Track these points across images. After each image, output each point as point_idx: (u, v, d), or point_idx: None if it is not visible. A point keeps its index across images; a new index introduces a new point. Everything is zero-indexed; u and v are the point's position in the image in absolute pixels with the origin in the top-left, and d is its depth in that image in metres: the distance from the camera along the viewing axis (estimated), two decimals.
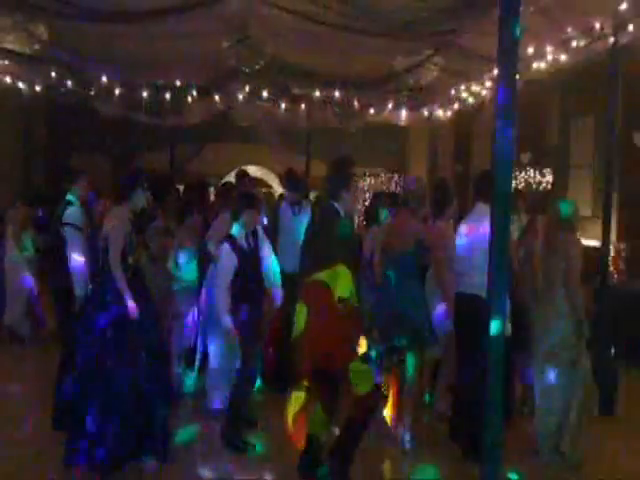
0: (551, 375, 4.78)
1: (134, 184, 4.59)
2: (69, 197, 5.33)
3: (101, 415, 4.24)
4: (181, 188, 7.22)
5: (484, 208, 4.77)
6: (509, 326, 4.67)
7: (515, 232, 6.38)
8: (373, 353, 5.00)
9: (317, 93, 9.13)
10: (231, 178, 12.69)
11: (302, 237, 6.07)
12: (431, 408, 5.74)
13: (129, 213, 4.57)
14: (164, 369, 4.69)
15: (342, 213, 4.46)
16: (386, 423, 5.18)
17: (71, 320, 5.05)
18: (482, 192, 4.94)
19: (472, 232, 4.93)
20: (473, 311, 4.57)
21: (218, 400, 5.52)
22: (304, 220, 6.25)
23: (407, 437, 4.97)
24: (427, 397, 5.89)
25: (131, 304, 4.33)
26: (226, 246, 4.93)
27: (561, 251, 4.75)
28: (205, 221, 6.22)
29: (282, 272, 5.86)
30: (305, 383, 4.40)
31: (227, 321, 4.86)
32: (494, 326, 3.66)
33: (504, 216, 3.68)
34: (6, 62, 7.91)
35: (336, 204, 4.50)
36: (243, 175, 7.06)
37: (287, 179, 6.58)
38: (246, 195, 5.33)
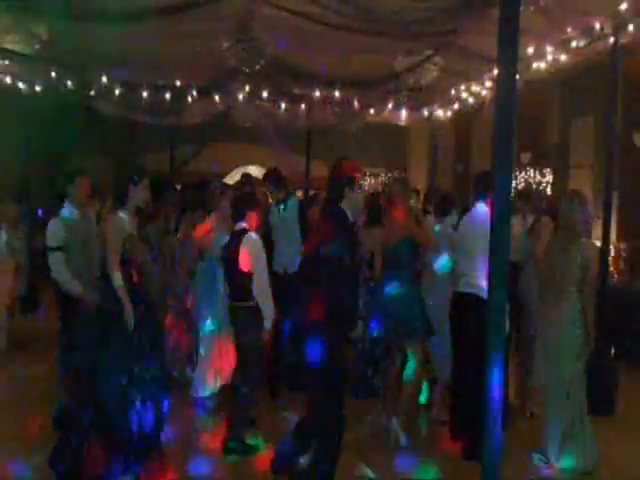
0: (555, 375, 4.78)
1: (126, 184, 4.48)
2: (65, 205, 5.15)
3: (90, 425, 4.20)
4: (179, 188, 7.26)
5: (484, 208, 4.78)
6: (507, 325, 4.68)
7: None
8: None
9: (317, 93, 9.12)
10: (230, 178, 12.72)
11: (289, 235, 6.11)
12: (428, 410, 5.76)
13: (129, 214, 4.48)
14: (161, 377, 4.62)
15: (349, 215, 4.31)
16: (384, 423, 5.19)
17: (72, 320, 5.04)
18: (482, 192, 4.94)
19: (472, 232, 4.93)
20: (473, 311, 4.58)
21: (202, 390, 5.57)
22: (290, 218, 6.24)
23: (402, 435, 4.97)
24: (424, 399, 5.89)
25: (128, 311, 4.26)
26: (257, 237, 4.90)
27: (576, 255, 4.67)
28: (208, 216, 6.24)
29: (272, 272, 5.87)
30: None
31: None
32: (494, 325, 3.67)
33: (504, 216, 3.68)
34: (6, 62, 7.91)
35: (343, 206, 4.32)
36: (247, 178, 7.05)
37: (269, 178, 6.43)
38: (249, 196, 5.33)
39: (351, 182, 4.16)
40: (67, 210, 5.15)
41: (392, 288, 5.06)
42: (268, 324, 4.93)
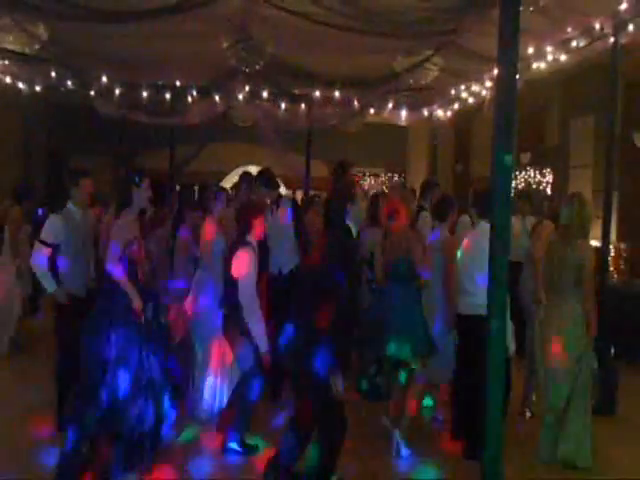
0: (558, 374, 4.76)
1: (129, 186, 4.50)
2: (68, 205, 5.16)
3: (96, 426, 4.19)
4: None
5: (487, 227, 4.72)
6: (512, 346, 4.66)
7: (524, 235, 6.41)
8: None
9: (317, 93, 9.13)
10: (230, 178, 12.71)
11: (283, 236, 6.09)
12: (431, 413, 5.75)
13: (133, 215, 4.48)
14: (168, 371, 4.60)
15: (353, 229, 4.38)
16: (386, 426, 5.18)
17: (68, 321, 5.03)
18: (483, 209, 4.89)
19: (476, 251, 4.87)
20: (479, 332, 4.48)
21: (203, 405, 5.52)
22: (283, 219, 6.25)
23: (402, 446, 4.96)
24: (428, 402, 5.88)
25: (136, 299, 4.27)
26: (252, 252, 4.78)
27: (571, 255, 4.67)
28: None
29: (268, 273, 5.88)
30: None
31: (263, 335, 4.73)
32: (493, 326, 3.67)
33: (504, 218, 3.68)
34: (6, 62, 7.91)
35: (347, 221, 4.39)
36: (247, 176, 7.03)
37: (262, 178, 6.30)
38: (253, 204, 5.25)
39: (352, 198, 4.23)
40: (69, 209, 5.15)
41: (394, 304, 5.01)
42: (263, 346, 4.70)
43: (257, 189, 6.34)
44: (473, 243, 5.01)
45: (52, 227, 5.03)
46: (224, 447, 4.86)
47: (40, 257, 4.97)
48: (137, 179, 4.51)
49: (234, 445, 4.85)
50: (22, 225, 7.71)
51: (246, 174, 7.08)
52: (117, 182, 4.77)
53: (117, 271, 4.31)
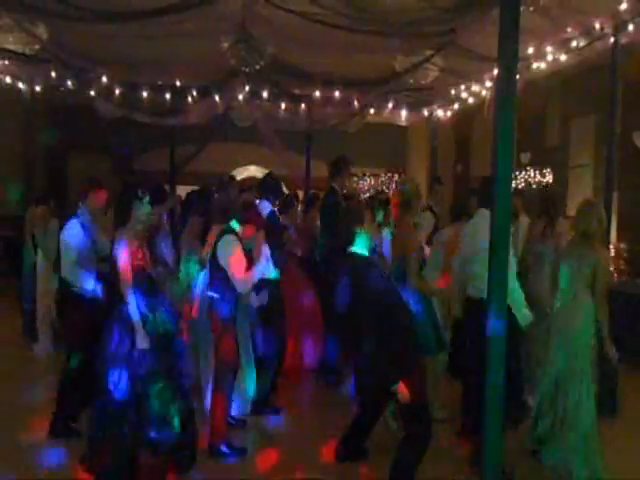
0: (564, 382, 4.69)
1: (130, 200, 4.38)
2: (79, 212, 5.21)
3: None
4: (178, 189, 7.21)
5: (486, 213, 4.72)
6: (528, 314, 4.62)
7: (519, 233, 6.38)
8: None
9: (317, 93, 9.13)
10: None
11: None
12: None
13: (133, 228, 4.40)
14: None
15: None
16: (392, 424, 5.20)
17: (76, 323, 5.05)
18: (483, 198, 4.90)
19: (477, 236, 4.87)
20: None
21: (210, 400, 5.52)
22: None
23: (391, 420, 5.02)
24: None
25: (141, 337, 4.19)
26: (237, 240, 4.79)
27: (591, 261, 4.55)
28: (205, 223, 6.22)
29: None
30: None
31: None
32: (494, 326, 3.68)
33: (504, 216, 3.69)
34: (6, 62, 7.92)
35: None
36: (231, 180, 7.02)
37: (267, 184, 6.28)
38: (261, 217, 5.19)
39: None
40: (82, 216, 5.21)
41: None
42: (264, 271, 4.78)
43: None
44: (474, 230, 4.98)
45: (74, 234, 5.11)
46: (213, 449, 4.83)
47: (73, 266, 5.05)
48: (139, 193, 4.39)
49: (223, 448, 4.83)
50: (49, 224, 7.66)
51: (233, 178, 7.12)
52: (116, 194, 4.60)
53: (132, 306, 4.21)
